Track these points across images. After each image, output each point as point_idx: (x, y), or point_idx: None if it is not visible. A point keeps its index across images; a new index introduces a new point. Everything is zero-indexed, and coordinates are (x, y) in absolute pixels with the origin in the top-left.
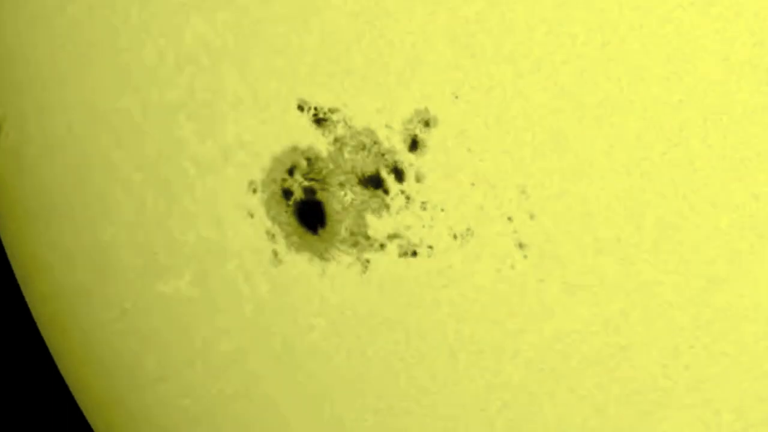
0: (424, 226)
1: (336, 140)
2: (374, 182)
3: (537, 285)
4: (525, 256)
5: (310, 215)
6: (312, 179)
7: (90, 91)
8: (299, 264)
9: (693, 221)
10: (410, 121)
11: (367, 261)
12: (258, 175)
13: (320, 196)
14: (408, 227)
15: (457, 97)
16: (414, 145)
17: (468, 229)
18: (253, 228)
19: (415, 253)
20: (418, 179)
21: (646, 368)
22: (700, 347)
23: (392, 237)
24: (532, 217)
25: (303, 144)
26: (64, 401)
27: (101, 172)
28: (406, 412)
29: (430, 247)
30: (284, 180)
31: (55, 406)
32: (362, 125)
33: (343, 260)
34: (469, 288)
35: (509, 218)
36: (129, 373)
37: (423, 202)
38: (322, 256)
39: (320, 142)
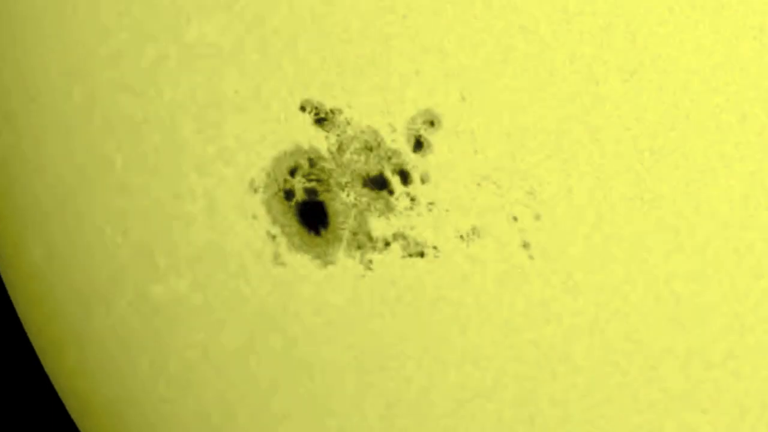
0: (429, 227)
1: (338, 141)
2: (378, 183)
3: (542, 285)
4: (530, 257)
5: (312, 216)
6: (314, 180)
7: (90, 91)
8: (301, 265)
9: (696, 222)
10: (414, 121)
11: (370, 262)
12: (259, 176)
13: (322, 196)
14: (412, 228)
15: (464, 98)
16: (418, 145)
17: (473, 230)
18: (254, 229)
19: (422, 254)
20: (423, 180)
21: (648, 368)
22: (701, 347)
23: (396, 238)
24: (537, 217)
25: (305, 144)
26: (51, 404)
27: (101, 173)
28: (408, 412)
29: (435, 247)
30: (286, 181)
31: (42, 409)
32: (365, 125)
33: (345, 261)
34: (474, 288)
35: (515, 218)
36: (125, 374)
37: (429, 203)
38: (324, 257)
39: (322, 143)
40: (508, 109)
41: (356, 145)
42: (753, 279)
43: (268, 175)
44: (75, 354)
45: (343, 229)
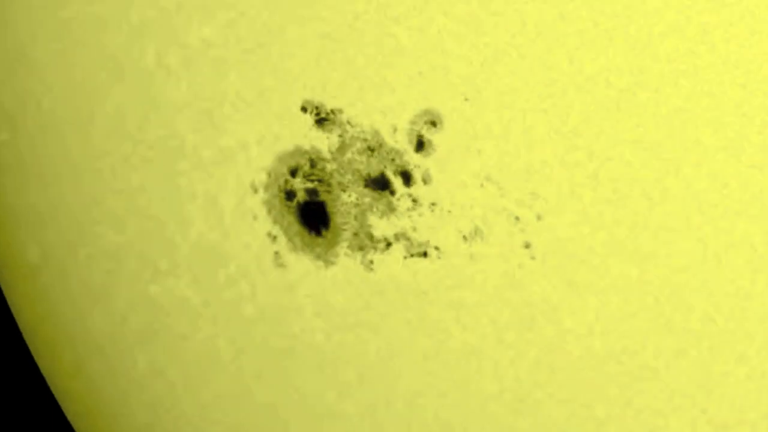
0: (431, 228)
1: (340, 141)
2: (379, 183)
3: (543, 285)
4: (532, 257)
5: (313, 216)
6: (315, 180)
7: (89, 91)
8: (301, 265)
9: (699, 222)
10: (416, 121)
11: (371, 262)
12: (260, 176)
13: (323, 197)
14: (414, 228)
15: (467, 99)
16: (420, 145)
17: (476, 230)
18: (255, 229)
19: (424, 254)
20: (424, 180)
21: (650, 368)
22: (704, 348)
23: (398, 238)
24: (539, 218)
25: (306, 145)
26: (47, 406)
27: (99, 172)
28: (410, 413)
29: (437, 248)
30: (287, 181)
31: (38, 410)
32: (367, 126)
33: (346, 262)
34: (476, 288)
35: (517, 218)
36: (122, 375)
37: (431, 204)
38: (325, 258)
39: (323, 143)
40: (510, 110)
41: (358, 145)
42: (757, 275)
43: (269, 175)
44: (71, 355)
45: (344, 229)
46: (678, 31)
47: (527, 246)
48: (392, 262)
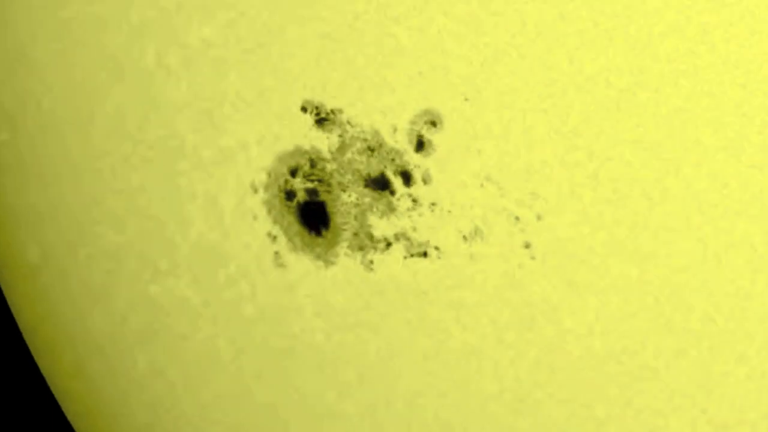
0: (431, 228)
1: (340, 141)
2: (380, 183)
3: (543, 285)
4: (532, 257)
5: (313, 216)
6: (315, 180)
7: (89, 91)
8: (301, 265)
9: (699, 223)
10: (416, 121)
11: (371, 262)
12: (259, 177)
13: (323, 197)
14: (414, 228)
15: (467, 99)
16: (420, 145)
17: (476, 230)
18: (255, 229)
19: (424, 254)
20: (424, 180)
21: (649, 368)
22: (704, 348)
23: (398, 238)
24: (539, 218)
25: (306, 145)
26: (47, 406)
27: (99, 172)
28: (410, 413)
29: (437, 248)
30: (287, 181)
31: (38, 411)
32: (367, 126)
33: (346, 262)
34: (476, 288)
35: (517, 218)
36: (122, 375)
37: (431, 204)
38: (325, 258)
39: (323, 143)
40: (510, 110)
41: (358, 145)
42: (757, 275)
43: (269, 175)
44: (71, 355)
45: (344, 229)
46: (678, 31)
47: (527, 246)
48: (392, 262)
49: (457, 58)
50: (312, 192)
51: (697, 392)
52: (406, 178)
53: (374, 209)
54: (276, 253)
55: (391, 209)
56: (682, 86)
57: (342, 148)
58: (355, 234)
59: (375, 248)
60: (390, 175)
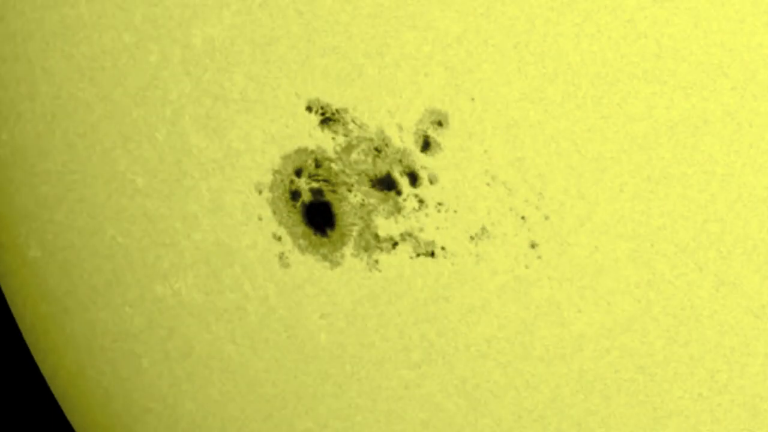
0: (437, 228)
1: (345, 141)
2: (385, 184)
3: (550, 285)
4: (539, 257)
5: (319, 217)
6: (320, 180)
7: (91, 91)
8: (307, 266)
9: (708, 225)
10: (422, 121)
11: (377, 262)
12: (264, 177)
13: (329, 197)
14: (421, 229)
15: (473, 99)
16: (427, 145)
17: (483, 230)
18: (259, 230)
19: (431, 255)
20: (431, 180)
21: (657, 371)
22: (713, 349)
23: (404, 239)
24: (546, 217)
25: (311, 145)
26: (49, 407)
27: (103, 174)
28: (412, 414)
29: (444, 248)
30: (292, 181)
31: (39, 411)
32: (373, 126)
33: (352, 262)
34: (483, 289)
35: (523, 218)
36: (125, 375)
37: (438, 204)
38: (330, 259)
39: (329, 143)
40: (517, 109)
41: (363, 145)
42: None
43: (274, 175)
44: (73, 355)
45: (350, 230)
46: (689, 32)
47: (534, 246)
48: (398, 262)
49: (464, 57)
50: (317, 192)
51: (706, 394)
52: (413, 178)
53: (380, 209)
54: (281, 253)
55: (398, 209)
56: (693, 87)
57: (348, 148)
58: (361, 234)
59: (381, 249)
60: (396, 175)
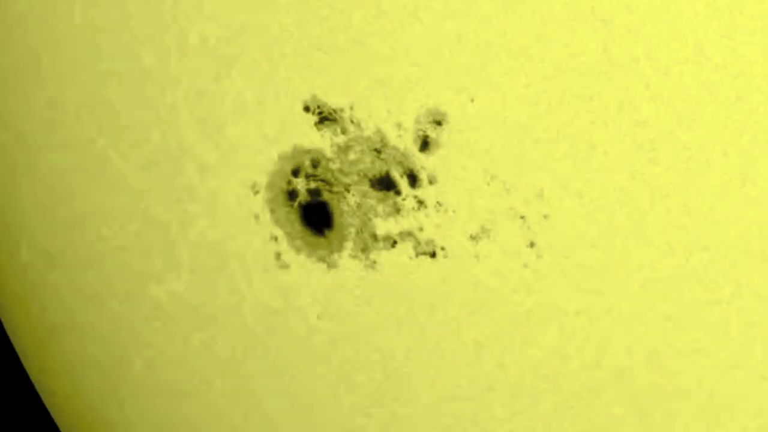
0: (437, 228)
1: (343, 141)
2: (384, 183)
3: (549, 285)
4: (538, 256)
5: (316, 217)
6: (318, 180)
7: (90, 91)
8: (304, 267)
9: (708, 222)
10: (420, 120)
11: (375, 263)
12: (261, 177)
13: (326, 197)
14: (420, 229)
15: (472, 99)
16: (425, 145)
17: (482, 229)
18: (256, 230)
19: (430, 255)
20: (430, 180)
21: (658, 369)
22: (714, 348)
23: (403, 239)
24: (545, 217)
25: (308, 145)
26: (34, 408)
27: (100, 173)
28: (414, 414)
29: (443, 248)
30: (289, 181)
31: (23, 412)
32: (371, 125)
33: (350, 263)
34: (482, 288)
35: (523, 217)
36: (118, 376)
37: (437, 203)
38: (328, 259)
39: (326, 143)
40: (516, 108)
41: (362, 145)
42: None
43: (271, 175)
44: (61, 357)
45: (348, 230)
46: (689, 31)
47: (533, 245)
48: (397, 262)
49: (463, 57)
50: (314, 192)
51: (710, 394)
52: (412, 178)
53: (379, 209)
54: (278, 254)
55: (397, 210)
56: (691, 86)
57: (346, 147)
58: (359, 235)
59: (379, 249)
60: (395, 175)
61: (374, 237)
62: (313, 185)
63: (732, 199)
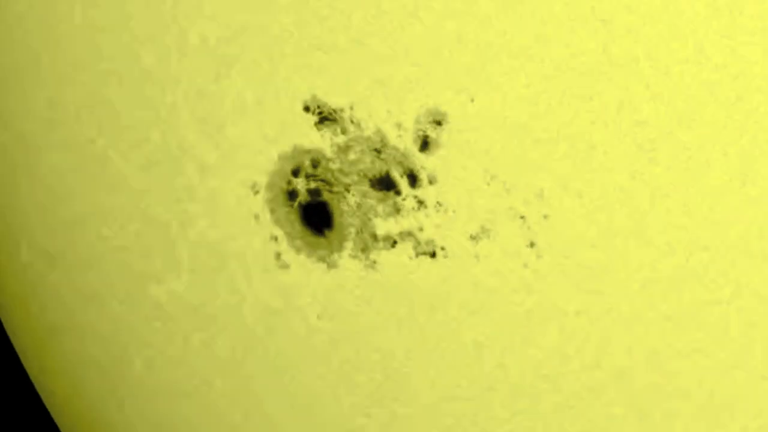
0: (437, 228)
1: (343, 141)
2: (384, 183)
3: (549, 285)
4: (539, 256)
5: (316, 217)
6: (318, 180)
7: (90, 91)
8: (304, 267)
9: (708, 222)
10: (421, 120)
11: (375, 263)
12: (261, 177)
13: (326, 197)
14: (420, 229)
15: (472, 99)
16: (425, 145)
17: (482, 229)
18: (256, 230)
19: (430, 255)
20: (430, 180)
21: (658, 369)
22: (715, 348)
23: (403, 239)
24: (546, 217)
25: (308, 144)
26: (34, 408)
27: (100, 173)
28: (415, 414)
29: (443, 248)
30: (288, 181)
31: (23, 412)
32: (371, 125)
33: (350, 263)
34: (483, 288)
35: (522, 217)
36: (118, 376)
37: (437, 203)
38: (328, 259)
39: (326, 143)
40: (516, 108)
41: (362, 145)
42: None
43: (271, 175)
44: (61, 357)
45: (348, 230)
46: (690, 33)
47: (533, 245)
48: (397, 262)
49: (463, 57)
50: (314, 192)
51: (710, 394)
52: (412, 178)
53: (379, 210)
54: (278, 254)
55: (397, 210)
56: (690, 86)
57: (345, 147)
58: (359, 235)
59: (380, 249)
60: (395, 175)
61: (374, 237)
62: (313, 185)
63: (732, 199)
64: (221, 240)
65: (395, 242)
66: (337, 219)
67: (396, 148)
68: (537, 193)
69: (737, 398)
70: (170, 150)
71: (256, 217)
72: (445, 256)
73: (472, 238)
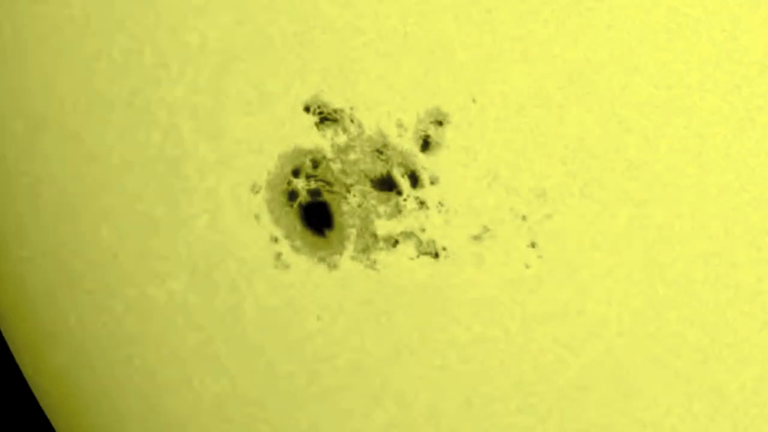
0: (438, 228)
1: (344, 141)
2: (386, 184)
3: (551, 284)
4: (540, 256)
5: (316, 217)
6: (318, 180)
7: (90, 91)
8: (304, 267)
9: (708, 223)
10: (422, 121)
11: (375, 263)
12: (261, 177)
13: (327, 198)
14: (422, 229)
15: (474, 100)
16: (426, 145)
17: (484, 229)
18: (257, 230)
19: (432, 255)
20: (431, 181)
21: (658, 365)
22: (715, 344)
23: (405, 239)
24: (547, 217)
25: (309, 145)
26: (29, 409)
27: (100, 172)
28: (414, 414)
29: (445, 248)
30: (289, 182)
31: (18, 412)
32: (372, 125)
33: (351, 263)
34: (484, 287)
35: (524, 217)
36: (118, 375)
37: (438, 204)
38: (328, 260)
39: (327, 143)
40: (517, 109)
41: (363, 145)
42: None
43: (271, 175)
44: (60, 357)
45: (348, 230)
46: (688, 36)
47: (534, 245)
48: (399, 262)
49: (464, 57)
50: (315, 192)
51: (709, 390)
52: (413, 178)
53: (380, 210)
54: (278, 254)
55: (398, 210)
56: (691, 85)
57: (346, 148)
58: (360, 235)
59: (380, 249)
60: (396, 175)
61: (375, 237)
62: (313, 185)
63: (732, 199)
64: (221, 240)
65: (396, 242)
66: (337, 219)
67: (398, 149)
68: (538, 193)
69: (743, 403)
70: (170, 150)
71: (257, 217)
72: (447, 257)
73: (474, 238)
